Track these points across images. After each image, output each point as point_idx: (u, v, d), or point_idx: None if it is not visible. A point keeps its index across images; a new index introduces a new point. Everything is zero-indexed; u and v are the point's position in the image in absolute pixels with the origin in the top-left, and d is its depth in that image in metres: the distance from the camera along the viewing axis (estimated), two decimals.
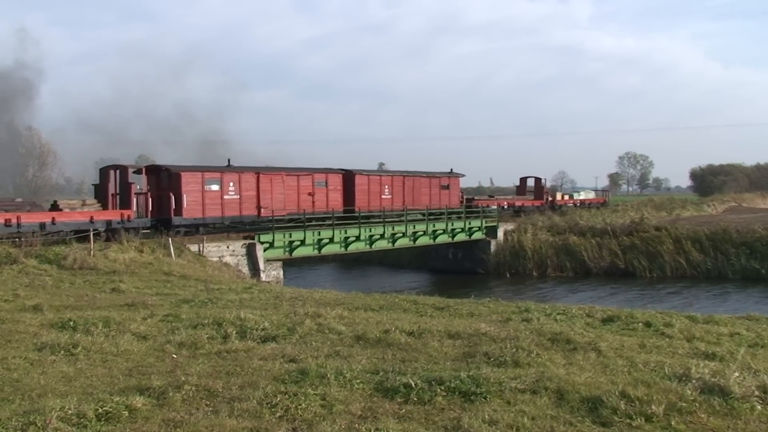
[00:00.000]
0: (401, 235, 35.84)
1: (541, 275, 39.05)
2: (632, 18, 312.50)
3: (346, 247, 33.39)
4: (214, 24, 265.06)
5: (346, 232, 32.94)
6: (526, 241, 40.51)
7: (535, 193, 52.53)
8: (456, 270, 40.65)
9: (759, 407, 6.01)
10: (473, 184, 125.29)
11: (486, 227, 41.00)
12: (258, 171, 31.06)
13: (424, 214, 37.68)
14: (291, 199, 32.04)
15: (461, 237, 39.61)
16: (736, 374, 6.70)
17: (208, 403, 6.13)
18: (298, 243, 30.39)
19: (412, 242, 37.11)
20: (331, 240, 31.89)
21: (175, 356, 8.27)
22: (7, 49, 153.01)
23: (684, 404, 5.98)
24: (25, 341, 9.08)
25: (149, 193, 27.37)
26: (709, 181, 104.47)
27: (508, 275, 39.14)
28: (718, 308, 23.62)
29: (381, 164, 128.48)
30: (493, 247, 40.57)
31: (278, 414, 5.83)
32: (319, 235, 31.52)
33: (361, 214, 34.07)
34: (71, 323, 10.15)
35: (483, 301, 14.48)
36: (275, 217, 29.99)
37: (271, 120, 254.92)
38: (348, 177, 35.57)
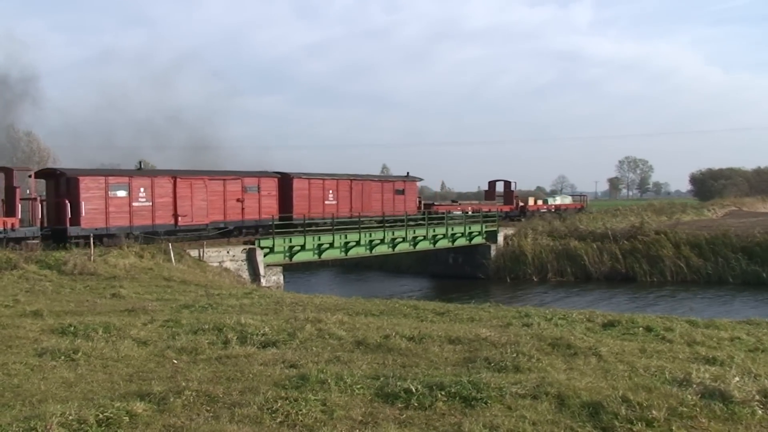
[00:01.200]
0: (401, 239, 35.83)
1: (542, 280, 39.04)
2: (632, 23, 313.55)
3: (347, 252, 33.38)
4: (214, 30, 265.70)
5: (346, 237, 32.92)
6: (527, 246, 40.53)
7: (504, 198, 50.27)
8: (456, 275, 40.63)
9: (760, 412, 6.01)
10: (473, 189, 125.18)
11: (486, 232, 40.99)
12: (175, 175, 28.44)
13: (380, 221, 35.33)
14: (216, 207, 29.23)
15: (461, 242, 39.62)
16: (737, 379, 6.70)
17: (208, 408, 6.13)
18: (299, 248, 30.40)
19: (412, 247, 37.10)
20: (332, 245, 31.90)
21: (175, 362, 8.26)
22: (2, 55, 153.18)
23: (685, 409, 5.97)
24: (25, 347, 9.08)
25: (39, 200, 25.11)
26: (709, 185, 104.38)
27: (508, 280, 39.14)
28: (719, 313, 23.60)
29: (384, 168, 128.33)
30: (493, 251, 40.57)
31: (279, 419, 5.83)
32: (319, 240, 31.52)
33: (305, 221, 31.43)
34: (72, 329, 10.14)
35: (483, 306, 14.49)
36: (194, 226, 27.96)
37: (271, 125, 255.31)
38: (284, 181, 32.79)
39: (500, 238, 41.24)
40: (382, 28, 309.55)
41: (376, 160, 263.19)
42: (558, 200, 57.24)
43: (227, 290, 18.13)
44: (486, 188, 53.98)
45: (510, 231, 42.48)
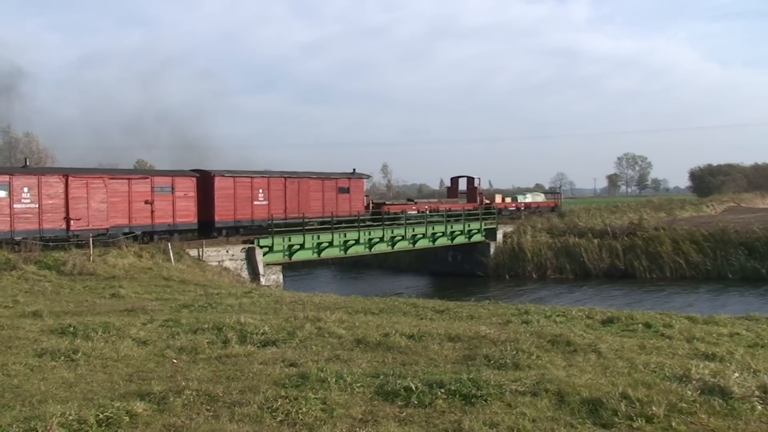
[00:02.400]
0: (401, 237, 35.83)
1: (541, 277, 39.06)
2: (630, 20, 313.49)
3: (346, 250, 33.38)
4: (211, 29, 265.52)
5: (345, 236, 32.93)
6: (526, 243, 40.56)
7: (467, 196, 46.14)
8: (455, 272, 40.66)
9: (759, 407, 6.02)
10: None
11: (485, 229, 41.02)
12: (67, 173, 25.16)
13: (330, 222, 32.66)
14: (119, 209, 26.12)
15: (460, 239, 39.63)
16: (736, 374, 6.71)
17: (208, 408, 6.13)
18: (298, 247, 30.40)
19: (411, 245, 37.11)
20: (331, 243, 31.90)
21: (175, 361, 8.26)
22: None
23: (684, 405, 5.98)
24: (25, 347, 9.07)
25: None
26: (707, 181, 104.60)
27: (507, 277, 39.16)
28: (718, 309, 23.60)
29: (384, 166, 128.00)
30: (492, 249, 40.59)
31: (279, 418, 5.83)
32: (319, 238, 31.52)
33: (233, 225, 29.40)
34: (71, 329, 10.14)
35: (483, 303, 14.49)
36: (92, 230, 24.77)
37: (269, 124, 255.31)
38: (204, 180, 29.40)
39: (499, 236, 41.27)
40: (379, 26, 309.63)
41: (375, 159, 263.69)
42: (529, 198, 53.24)
43: (226, 289, 18.13)
44: (448, 185, 50.25)
45: (509, 228, 42.51)
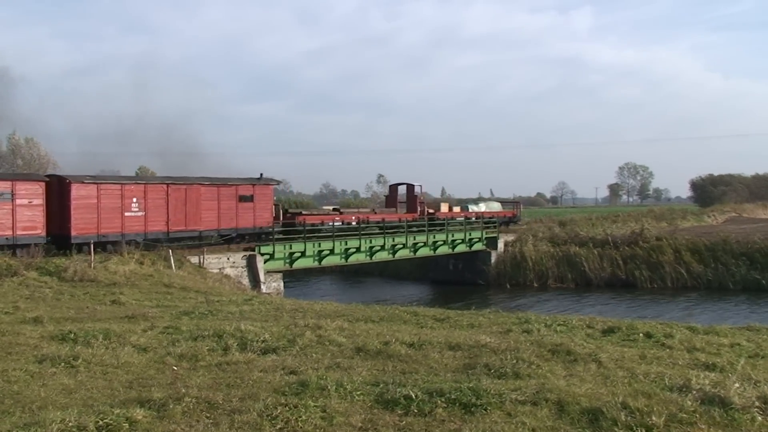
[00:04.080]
0: (402, 246, 35.84)
1: (542, 286, 39.05)
2: (632, 30, 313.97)
3: (347, 258, 33.40)
4: (214, 37, 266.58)
5: (346, 244, 32.96)
6: (527, 252, 40.57)
7: (407, 205, 41.53)
8: (456, 281, 40.65)
9: (759, 418, 6.00)
10: (473, 195, 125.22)
11: (486, 238, 41.05)
12: None
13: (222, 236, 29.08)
14: None
15: (461, 248, 39.65)
16: (737, 385, 6.70)
17: (208, 415, 6.13)
18: (299, 254, 30.42)
19: (412, 253, 37.12)
20: (332, 251, 31.92)
21: (175, 368, 8.26)
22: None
23: (684, 415, 5.97)
24: (25, 353, 9.07)
25: None
26: (709, 191, 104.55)
27: (508, 286, 39.16)
28: (719, 319, 23.58)
29: (380, 176, 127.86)
30: (493, 258, 40.61)
31: (278, 426, 5.82)
32: (320, 246, 31.55)
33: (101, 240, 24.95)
34: (72, 335, 10.14)
35: (483, 312, 14.48)
36: None
37: (271, 132, 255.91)
38: (58, 186, 25.05)
39: (500, 245, 41.30)
40: (382, 35, 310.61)
41: (375, 167, 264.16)
42: (482, 207, 47.81)
43: (227, 297, 18.14)
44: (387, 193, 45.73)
45: (510, 237, 42.53)
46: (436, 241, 37.95)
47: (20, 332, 10.56)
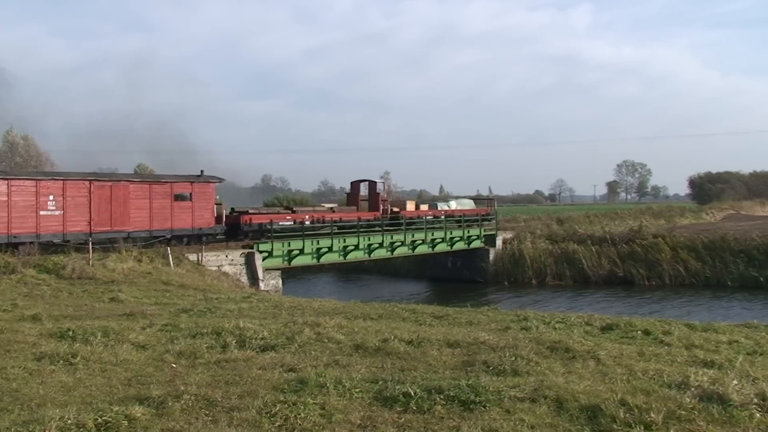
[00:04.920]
0: (400, 243, 35.84)
1: (540, 283, 39.10)
2: (630, 27, 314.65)
3: (345, 256, 33.41)
4: (213, 34, 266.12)
5: (344, 241, 32.97)
6: (526, 250, 40.61)
7: (369, 203, 38.69)
8: (455, 279, 40.68)
9: (758, 415, 6.02)
10: (472, 193, 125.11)
11: (485, 235, 41.09)
12: None
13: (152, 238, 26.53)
14: None
15: (460, 245, 39.67)
16: (735, 382, 6.71)
17: (207, 412, 6.13)
18: (297, 252, 30.42)
19: (410, 251, 37.13)
20: (330, 249, 31.93)
21: (174, 366, 8.26)
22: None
23: (683, 412, 5.98)
24: (23, 351, 9.06)
25: None
26: (707, 188, 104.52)
27: (506, 284, 39.22)
28: (717, 316, 23.62)
29: (384, 173, 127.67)
30: (491, 255, 40.65)
31: (277, 423, 5.83)
32: (318, 244, 31.55)
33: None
34: (70, 333, 10.12)
35: (482, 309, 14.50)
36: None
37: (269, 130, 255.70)
38: None
39: (499, 242, 41.35)
40: (380, 33, 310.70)
41: (374, 165, 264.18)
42: (453, 205, 44.48)
43: (226, 294, 18.13)
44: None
45: (509, 235, 42.57)
46: (435, 239, 37.96)
47: (19, 330, 10.54)
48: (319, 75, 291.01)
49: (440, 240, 38.29)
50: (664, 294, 34.81)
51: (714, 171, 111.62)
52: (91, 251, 22.58)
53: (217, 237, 28.86)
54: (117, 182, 26.77)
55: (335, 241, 32.17)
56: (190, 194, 28.59)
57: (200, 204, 28.75)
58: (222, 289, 20.83)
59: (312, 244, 31.09)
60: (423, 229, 37.47)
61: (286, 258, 30.25)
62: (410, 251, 37.12)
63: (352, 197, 40.07)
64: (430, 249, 38.10)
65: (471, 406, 6.22)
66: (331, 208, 37.96)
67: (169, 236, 27.35)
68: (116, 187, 26.39)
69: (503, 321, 12.32)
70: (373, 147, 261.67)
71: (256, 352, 9.02)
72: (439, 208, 42.45)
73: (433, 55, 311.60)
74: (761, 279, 35.59)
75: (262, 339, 9.59)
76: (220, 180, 30.62)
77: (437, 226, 38.97)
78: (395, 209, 39.24)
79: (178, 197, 28.24)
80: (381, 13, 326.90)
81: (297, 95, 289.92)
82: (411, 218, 38.49)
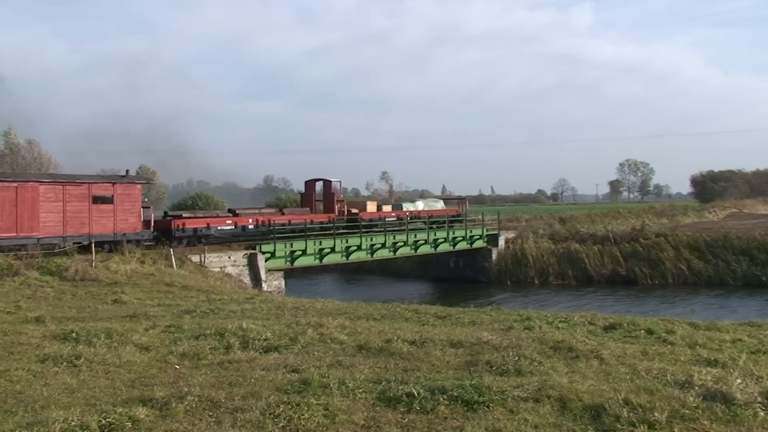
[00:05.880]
0: (403, 243, 35.83)
1: (543, 283, 39.04)
2: (632, 26, 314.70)
3: (348, 256, 33.42)
4: (215, 35, 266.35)
5: (347, 242, 32.98)
6: (528, 249, 40.58)
7: (324, 204, 36.90)
8: (457, 279, 40.65)
9: (762, 414, 6.01)
10: (473, 192, 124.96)
11: (487, 235, 41.09)
12: None
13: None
14: None
15: (462, 245, 39.65)
16: (739, 381, 6.70)
17: (210, 414, 6.13)
18: (300, 253, 30.42)
19: (413, 251, 37.11)
20: (333, 249, 31.92)
21: (177, 367, 8.27)
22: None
23: (687, 411, 5.98)
24: (27, 353, 9.08)
25: None
26: (709, 187, 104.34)
27: (509, 283, 39.18)
28: (720, 315, 23.57)
29: (383, 173, 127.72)
30: (494, 255, 40.63)
31: (281, 424, 5.83)
32: (321, 244, 31.54)
33: None
34: (73, 335, 10.15)
35: (485, 309, 14.48)
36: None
37: (271, 130, 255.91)
38: None
39: (501, 242, 41.33)
40: (382, 33, 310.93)
41: (376, 165, 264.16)
42: (420, 206, 41.98)
43: (229, 295, 18.14)
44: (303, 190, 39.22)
45: (511, 234, 42.56)
46: (437, 239, 37.96)
47: (22, 332, 10.57)
48: (321, 75, 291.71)
49: (443, 240, 38.30)
50: (667, 293, 34.75)
51: (716, 169, 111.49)
52: (93, 253, 22.61)
53: (145, 243, 26.26)
54: (24, 182, 24.05)
55: (338, 241, 32.17)
56: (112, 196, 25.99)
57: (124, 207, 26.26)
58: (225, 290, 20.83)
59: (315, 244, 31.10)
60: (383, 232, 35.22)
61: (288, 259, 30.26)
62: (413, 251, 37.11)
63: (306, 198, 37.95)
64: (433, 249, 38.10)
65: (474, 406, 6.22)
66: (281, 210, 35.83)
67: (86, 242, 24.45)
68: (23, 189, 23.63)
69: (506, 321, 12.32)
70: (374, 147, 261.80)
71: (260, 353, 9.04)
72: (404, 209, 40.56)
73: (435, 55, 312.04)
74: (764, 277, 35.48)
75: (265, 340, 9.61)
76: (148, 181, 28.29)
77: (400, 228, 36.72)
78: (354, 211, 37.29)
79: (98, 199, 25.61)
80: (382, 13, 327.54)
81: (298, 96, 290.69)
82: (371, 220, 36.62)
